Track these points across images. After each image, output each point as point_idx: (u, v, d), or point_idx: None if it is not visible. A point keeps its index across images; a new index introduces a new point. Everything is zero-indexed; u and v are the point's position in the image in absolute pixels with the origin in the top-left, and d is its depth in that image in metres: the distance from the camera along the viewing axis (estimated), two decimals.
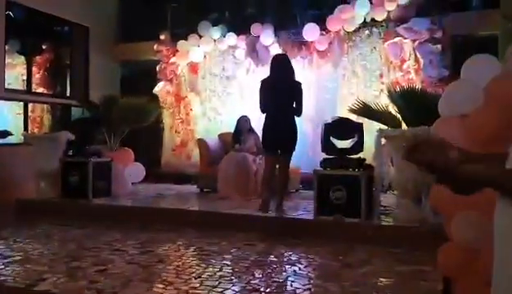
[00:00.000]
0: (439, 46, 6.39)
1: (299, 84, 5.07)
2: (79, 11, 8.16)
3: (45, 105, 8.26)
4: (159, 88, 8.22)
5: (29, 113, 7.80)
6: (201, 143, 7.16)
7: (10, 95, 7.29)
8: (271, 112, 4.99)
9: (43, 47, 8.48)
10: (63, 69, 8.83)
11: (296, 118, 5.05)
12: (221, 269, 3.47)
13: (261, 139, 5.25)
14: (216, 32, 7.75)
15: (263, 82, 5.15)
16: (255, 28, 7.42)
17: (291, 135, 4.99)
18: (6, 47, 7.20)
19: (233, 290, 3.02)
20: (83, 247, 4.19)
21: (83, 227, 5.02)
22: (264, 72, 7.54)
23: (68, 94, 8.57)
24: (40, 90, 8.18)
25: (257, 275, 3.36)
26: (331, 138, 4.79)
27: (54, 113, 8.49)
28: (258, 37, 7.39)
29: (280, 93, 4.97)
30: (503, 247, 1.10)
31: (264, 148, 5.19)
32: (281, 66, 5.09)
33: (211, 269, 3.49)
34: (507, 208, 1.06)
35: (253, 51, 7.52)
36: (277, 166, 5.13)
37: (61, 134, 6.27)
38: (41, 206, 5.86)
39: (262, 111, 5.09)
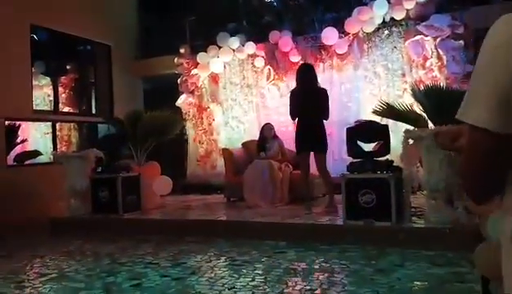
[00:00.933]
0: (461, 41, 6.30)
1: (324, 90, 5.56)
2: (101, 30, 8.35)
3: (72, 124, 8.46)
4: (182, 100, 8.33)
5: (57, 133, 8.00)
6: (226, 152, 7.21)
7: (38, 115, 7.51)
8: (301, 118, 5.48)
9: (68, 67, 8.71)
10: (87, 88, 9.04)
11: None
12: (253, 279, 3.47)
13: (295, 143, 5.56)
14: (234, 42, 7.82)
15: (292, 92, 5.67)
16: (273, 36, 7.45)
17: (321, 136, 5.41)
18: (33, 70, 7.43)
19: None
20: (117, 261, 4.26)
21: (116, 242, 5.11)
22: (285, 79, 7.65)
23: (93, 111, 8.76)
24: (66, 109, 8.39)
25: (290, 284, 3.35)
26: (357, 141, 4.75)
27: (81, 131, 8.68)
28: (277, 44, 7.41)
29: (308, 100, 5.42)
30: None
31: (298, 150, 5.53)
32: (306, 76, 5.55)
33: (243, 279, 3.49)
34: None
35: (273, 58, 7.55)
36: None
37: (89, 151, 6.40)
38: (73, 223, 5.98)
39: (293, 118, 5.59)
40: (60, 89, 8.31)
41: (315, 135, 5.37)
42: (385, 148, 4.69)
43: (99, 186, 6.11)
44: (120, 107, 8.28)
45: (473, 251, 2.57)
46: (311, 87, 5.48)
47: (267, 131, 6.68)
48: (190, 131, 8.44)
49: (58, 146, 7.88)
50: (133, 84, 9.16)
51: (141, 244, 4.93)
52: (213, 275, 3.67)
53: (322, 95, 5.44)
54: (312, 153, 5.49)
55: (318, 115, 5.39)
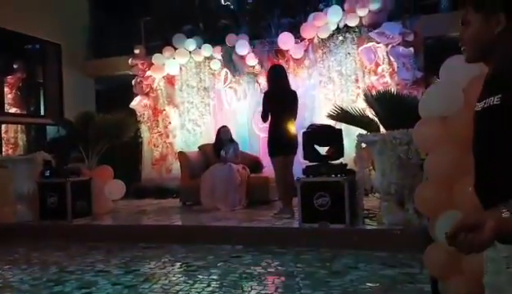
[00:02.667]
0: (411, 48, 6.52)
1: (295, 92, 5.52)
2: (50, 28, 8.04)
3: (19, 126, 8.07)
4: (136, 102, 8.14)
5: (3, 135, 7.61)
6: (182, 156, 7.10)
7: None
8: (274, 120, 5.30)
9: (14, 67, 8.31)
10: (36, 88, 8.68)
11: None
12: (209, 285, 3.42)
13: (268, 145, 5.38)
14: (191, 44, 7.74)
15: (265, 94, 5.51)
16: (230, 39, 7.44)
17: (294, 138, 5.29)
18: None
19: None
20: (65, 270, 4.07)
21: (64, 249, 4.89)
22: (242, 82, 7.65)
23: (42, 113, 8.40)
24: (13, 110, 8.00)
25: (245, 288, 3.33)
26: (314, 145, 4.80)
27: (28, 133, 8.31)
28: (234, 47, 7.40)
29: (281, 102, 5.32)
30: None
31: (273, 153, 5.33)
32: (279, 77, 5.47)
33: (198, 285, 3.43)
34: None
35: (230, 61, 7.54)
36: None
37: (37, 155, 6.13)
38: (19, 230, 5.68)
39: (265, 120, 5.41)
40: (7, 89, 7.93)
41: (287, 137, 5.27)
42: (339, 151, 4.77)
43: (47, 191, 5.84)
44: (71, 108, 7.98)
45: (423, 252, 2.65)
46: (283, 89, 5.42)
47: (224, 134, 6.65)
48: (145, 134, 8.27)
49: (4, 149, 7.50)
50: (85, 85, 8.86)
51: (91, 251, 4.74)
52: (167, 282, 3.58)
53: (294, 97, 5.41)
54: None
55: (290, 117, 5.30)
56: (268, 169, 6.06)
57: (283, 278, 3.57)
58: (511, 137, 1.04)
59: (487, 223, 1.00)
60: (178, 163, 7.21)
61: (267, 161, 5.94)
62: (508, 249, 1.15)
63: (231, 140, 6.65)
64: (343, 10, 6.80)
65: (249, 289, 3.31)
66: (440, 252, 2.51)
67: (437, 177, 2.54)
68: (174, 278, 3.68)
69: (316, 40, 7.11)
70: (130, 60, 8.11)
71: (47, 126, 8.13)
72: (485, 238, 1.00)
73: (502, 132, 1.12)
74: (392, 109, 4.48)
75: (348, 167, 4.74)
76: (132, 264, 4.16)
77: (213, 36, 7.76)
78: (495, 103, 1.14)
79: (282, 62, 7.21)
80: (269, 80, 5.56)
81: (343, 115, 5.16)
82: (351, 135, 5.56)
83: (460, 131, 2.32)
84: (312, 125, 5.35)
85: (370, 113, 4.96)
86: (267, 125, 5.43)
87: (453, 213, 2.38)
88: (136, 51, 8.11)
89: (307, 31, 7.01)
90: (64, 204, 5.73)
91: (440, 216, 2.43)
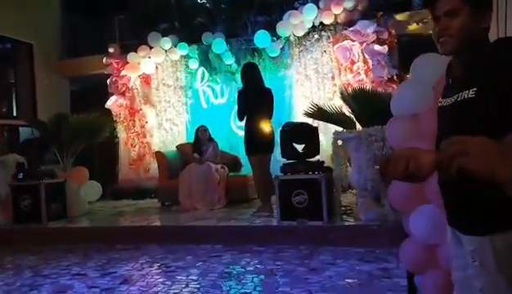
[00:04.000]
0: (386, 46, 6.60)
1: (270, 90, 5.46)
2: (21, 27, 7.85)
3: None
4: (112, 102, 8.01)
5: None
6: (159, 155, 7.03)
7: None
8: (250, 118, 5.26)
9: None
10: (7, 89, 8.46)
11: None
12: (187, 285, 3.40)
13: (245, 144, 5.34)
14: (166, 42, 7.66)
15: (240, 92, 5.47)
16: (206, 38, 7.40)
17: (270, 136, 5.27)
18: None
19: None
20: (40, 274, 3.99)
21: (39, 253, 4.80)
22: (219, 81, 7.62)
23: (14, 114, 8.20)
24: None
25: (224, 288, 3.32)
26: (291, 143, 4.81)
27: (0, 135, 8.09)
28: (210, 46, 7.36)
29: (256, 100, 5.28)
30: None
31: (250, 151, 5.30)
32: (252, 75, 5.42)
33: (177, 285, 3.41)
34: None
35: (206, 60, 7.50)
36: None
37: (9, 157, 5.99)
38: None
39: (241, 119, 5.38)
40: None
41: (264, 135, 5.24)
42: (315, 149, 4.80)
43: (20, 194, 5.71)
44: (44, 109, 7.82)
45: (399, 247, 2.69)
46: (258, 87, 5.39)
47: (202, 134, 6.61)
48: (122, 134, 8.15)
49: None
50: (59, 85, 8.69)
51: (66, 254, 4.66)
52: (144, 283, 3.55)
53: (269, 95, 5.37)
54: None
55: (266, 115, 5.28)
56: (248, 168, 6.05)
57: (262, 277, 3.57)
58: (485, 129, 1.06)
59: (422, 153, 1.02)
60: (156, 163, 7.14)
61: (246, 160, 5.93)
62: (473, 242, 1.17)
63: (210, 140, 6.62)
64: (319, 8, 6.84)
65: (228, 288, 3.31)
66: (415, 247, 2.55)
67: None
68: (152, 280, 3.66)
69: (292, 38, 7.13)
70: (105, 59, 7.97)
71: (20, 128, 7.94)
72: (426, 162, 1.00)
73: (477, 125, 1.14)
74: (368, 107, 4.53)
75: (325, 165, 4.78)
76: (109, 266, 4.11)
77: (189, 34, 7.69)
78: (469, 96, 1.16)
79: (259, 60, 7.21)
80: (243, 78, 5.52)
81: (320, 113, 5.20)
82: (328, 132, 5.61)
83: (430, 127, 2.36)
84: (287, 123, 5.36)
85: (346, 111, 5.00)
86: (243, 124, 5.40)
87: (424, 207, 2.43)
88: (111, 50, 7.98)
89: (282, 29, 7.02)
90: (38, 207, 5.62)
91: (413, 212, 2.47)
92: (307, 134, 4.86)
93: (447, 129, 1.24)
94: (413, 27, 6.87)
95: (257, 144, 5.22)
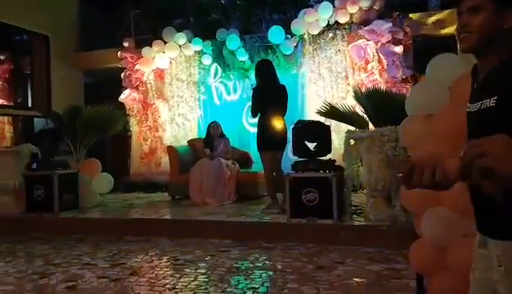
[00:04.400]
0: (401, 47, 6.55)
1: (285, 87, 5.45)
2: (38, 19, 7.93)
3: (6, 117, 7.97)
4: (125, 96, 8.08)
5: None
6: (171, 150, 7.07)
7: None
8: (264, 115, 5.27)
9: (1, 58, 8.19)
10: (24, 80, 8.56)
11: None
12: (195, 279, 3.42)
13: (257, 140, 5.35)
14: (181, 38, 7.69)
15: (255, 89, 5.48)
16: (221, 34, 7.41)
17: (282, 134, 5.27)
18: None
19: None
20: (51, 263, 4.05)
21: (50, 242, 4.86)
22: (232, 77, 7.63)
23: (30, 105, 8.30)
24: (0, 101, 7.89)
25: (233, 283, 3.33)
26: (303, 141, 4.81)
27: (16, 126, 8.20)
28: (224, 42, 7.38)
29: (271, 97, 5.29)
30: None
31: (262, 148, 5.32)
32: (268, 71, 5.43)
33: (185, 279, 3.43)
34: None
35: (220, 56, 7.51)
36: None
37: (23, 147, 6.07)
38: (5, 222, 5.62)
39: (254, 115, 5.40)
40: None
41: (277, 132, 5.23)
42: (326, 147, 4.79)
43: (34, 184, 5.80)
44: (59, 101, 7.90)
45: (409, 248, 2.68)
46: (273, 84, 5.38)
47: (214, 129, 6.63)
48: (135, 128, 8.21)
49: None
50: (74, 77, 8.77)
51: (77, 244, 4.72)
52: (153, 275, 3.58)
53: (284, 92, 5.36)
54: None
55: (280, 112, 5.28)
56: (258, 165, 6.05)
57: (270, 273, 3.58)
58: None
59: (447, 160, 0.96)
60: (167, 158, 7.18)
61: (256, 156, 5.94)
62: (501, 247, 1.15)
63: (222, 136, 6.64)
64: (334, 6, 6.81)
65: (236, 283, 3.32)
66: (425, 248, 2.54)
67: None
68: (161, 272, 3.68)
69: (306, 36, 7.11)
70: (119, 53, 8.03)
71: (35, 119, 8.03)
72: (452, 169, 0.94)
73: (499, 133, 1.12)
74: (381, 107, 4.50)
75: (336, 164, 4.76)
76: (119, 257, 4.15)
77: (204, 30, 7.71)
78: (491, 105, 1.14)
79: (272, 57, 7.20)
80: (257, 75, 5.52)
81: (333, 112, 5.18)
82: (340, 131, 5.59)
83: (445, 128, 2.35)
84: (300, 121, 5.35)
85: (359, 110, 4.98)
86: (255, 120, 5.41)
87: (437, 209, 2.41)
88: (126, 44, 8.04)
89: (297, 27, 7.00)
90: (50, 197, 5.70)
91: (425, 213, 2.45)
92: (320, 132, 4.85)
93: (473, 136, 1.23)
94: (429, 27, 6.80)
95: (269, 140, 5.22)
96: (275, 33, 7.04)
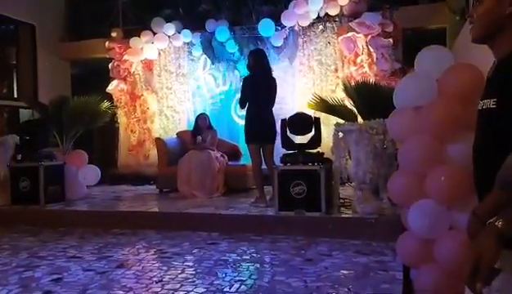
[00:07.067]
0: (390, 39, 6.55)
1: (275, 80, 5.36)
2: (24, 8, 7.78)
3: None
4: (113, 87, 7.98)
5: None
6: (159, 142, 7.01)
7: None
8: (252, 106, 5.18)
9: None
10: (9, 70, 8.42)
11: None
12: (183, 271, 3.40)
13: (245, 132, 5.27)
14: (170, 28, 7.60)
15: (246, 79, 5.34)
16: (210, 25, 7.34)
17: (272, 126, 5.22)
18: None
19: (196, 292, 2.96)
20: (36, 255, 4.00)
21: (36, 235, 4.80)
22: (221, 69, 7.57)
23: (15, 95, 8.17)
24: None
25: (220, 275, 3.32)
26: (291, 133, 4.79)
27: (0, 117, 8.07)
28: (214, 33, 7.31)
29: (262, 89, 5.19)
30: None
31: (249, 140, 5.25)
32: (262, 62, 5.31)
33: (172, 271, 3.41)
34: None
35: (209, 47, 7.45)
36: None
37: (8, 138, 5.97)
38: None
39: (242, 106, 5.29)
40: None
41: (267, 125, 5.17)
42: (316, 140, 4.78)
43: (19, 175, 5.72)
44: (45, 91, 7.79)
45: (396, 240, 2.69)
46: (265, 75, 5.26)
47: (202, 121, 6.59)
48: (123, 119, 8.12)
49: None
50: (60, 67, 8.63)
51: (63, 237, 4.67)
52: (140, 268, 3.55)
53: (274, 84, 5.28)
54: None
55: (268, 104, 5.20)
56: (247, 157, 6.02)
57: (258, 265, 3.57)
58: (506, 140, 1.05)
59: (485, 241, 0.98)
60: (155, 150, 7.12)
61: (245, 149, 5.91)
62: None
63: (210, 127, 6.60)
64: None
65: (224, 275, 3.31)
66: (412, 241, 2.55)
67: (410, 167, 2.57)
68: (148, 265, 3.66)
69: (296, 28, 7.07)
70: (107, 43, 7.93)
71: (20, 110, 7.91)
72: (491, 254, 0.97)
73: (498, 135, 1.11)
74: (370, 100, 4.51)
75: (324, 156, 4.76)
76: (106, 250, 4.11)
77: (193, 21, 7.63)
78: (491, 106, 1.13)
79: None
80: (250, 64, 5.36)
81: (322, 104, 5.18)
82: (329, 124, 5.58)
83: (433, 121, 2.34)
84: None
85: (348, 103, 4.98)
86: (244, 112, 5.35)
87: (423, 202, 2.41)
88: (114, 34, 7.93)
89: (287, 19, 6.96)
90: (36, 189, 5.62)
91: (412, 206, 2.46)
92: (309, 125, 4.84)
93: (477, 134, 1.22)
94: (418, 20, 6.81)
95: (256, 132, 5.17)
96: (265, 25, 6.99)
